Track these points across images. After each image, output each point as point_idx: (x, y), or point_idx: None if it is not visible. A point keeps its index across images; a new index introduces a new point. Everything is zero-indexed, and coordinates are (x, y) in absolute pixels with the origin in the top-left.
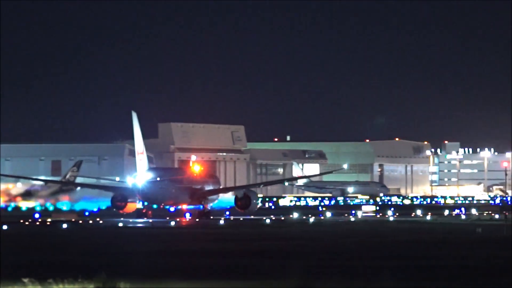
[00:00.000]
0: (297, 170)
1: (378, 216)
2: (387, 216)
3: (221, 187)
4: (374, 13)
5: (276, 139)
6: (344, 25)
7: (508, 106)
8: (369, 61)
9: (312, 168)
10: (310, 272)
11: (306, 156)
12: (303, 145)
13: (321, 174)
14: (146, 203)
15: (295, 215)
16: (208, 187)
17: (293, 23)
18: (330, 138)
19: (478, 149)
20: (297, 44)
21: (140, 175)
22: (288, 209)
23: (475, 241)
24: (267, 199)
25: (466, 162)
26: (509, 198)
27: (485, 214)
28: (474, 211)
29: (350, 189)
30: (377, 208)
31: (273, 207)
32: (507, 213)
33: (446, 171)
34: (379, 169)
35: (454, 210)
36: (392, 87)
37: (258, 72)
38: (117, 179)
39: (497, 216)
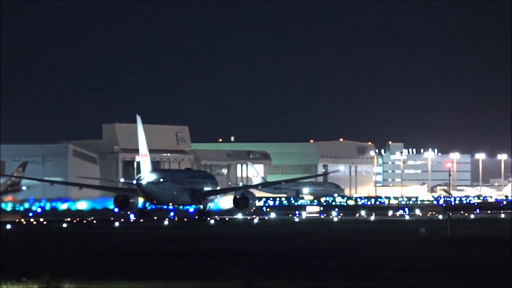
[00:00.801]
0: (252, 170)
1: (323, 216)
2: (331, 216)
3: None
4: (316, 13)
5: (220, 140)
6: (283, 25)
7: (452, 107)
8: (312, 61)
9: (257, 169)
10: (254, 272)
11: (251, 156)
12: (247, 146)
13: (320, 175)
14: (148, 203)
15: (239, 215)
16: (207, 188)
17: (229, 23)
18: (275, 138)
19: (422, 150)
20: (239, 44)
21: (143, 176)
22: (234, 210)
23: (419, 241)
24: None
25: (410, 162)
26: (452, 199)
27: (428, 215)
28: (418, 212)
29: (305, 190)
30: (321, 208)
31: (217, 208)
32: (450, 214)
33: (390, 171)
34: (323, 170)
35: (398, 211)
36: (336, 88)
37: (202, 73)
38: (122, 180)
39: (440, 217)
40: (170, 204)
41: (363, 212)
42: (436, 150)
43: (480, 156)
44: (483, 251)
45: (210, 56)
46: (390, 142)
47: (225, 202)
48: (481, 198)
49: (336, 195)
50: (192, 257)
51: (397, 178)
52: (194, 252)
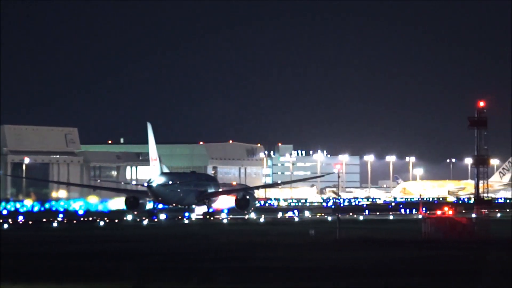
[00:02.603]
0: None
1: (212, 218)
2: (220, 218)
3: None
4: (213, 12)
5: (110, 142)
6: (174, 29)
7: (341, 109)
8: (202, 63)
9: (146, 171)
10: (145, 274)
11: (140, 158)
12: (137, 148)
13: (319, 176)
14: (157, 204)
15: (129, 217)
16: (211, 190)
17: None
18: (164, 140)
19: (311, 152)
20: (122, 44)
21: (153, 179)
22: (123, 212)
23: (308, 243)
24: (101, 202)
25: (299, 164)
26: (341, 200)
27: (318, 216)
28: (307, 213)
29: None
30: (212, 210)
31: (107, 210)
32: (340, 215)
33: (279, 173)
34: (213, 171)
35: (288, 212)
36: (226, 90)
37: (91, 74)
38: (134, 182)
39: (330, 218)
40: (178, 204)
41: (252, 214)
42: (325, 152)
43: (369, 158)
44: (371, 252)
45: (99, 56)
46: (279, 144)
47: (228, 202)
48: (370, 199)
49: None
50: (82, 259)
51: (286, 180)
52: (85, 254)
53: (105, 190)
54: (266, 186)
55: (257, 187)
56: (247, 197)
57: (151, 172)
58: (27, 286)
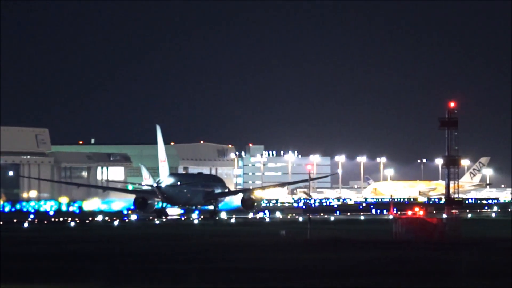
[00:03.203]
0: (144, 173)
1: (183, 219)
2: (191, 219)
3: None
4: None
5: (81, 142)
6: (137, 28)
7: (312, 110)
8: (168, 62)
9: (117, 171)
10: (114, 274)
11: (111, 159)
12: (108, 148)
13: (325, 176)
14: (165, 204)
15: (100, 218)
16: (217, 190)
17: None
18: (135, 141)
19: (282, 152)
20: (91, 45)
21: (162, 179)
22: (94, 213)
23: (279, 243)
24: (72, 203)
25: (270, 165)
26: (312, 201)
27: (289, 217)
28: (278, 214)
29: None
30: (182, 211)
31: (78, 210)
32: (311, 216)
33: (250, 174)
34: (184, 172)
35: (259, 213)
36: (196, 90)
37: (61, 74)
38: (143, 183)
39: (301, 219)
40: (186, 204)
41: (223, 215)
42: (296, 152)
43: (340, 159)
44: (341, 252)
45: (70, 55)
46: (250, 145)
47: (234, 202)
48: (341, 200)
49: None
50: (52, 259)
51: (257, 181)
52: (54, 255)
53: (113, 191)
54: (270, 186)
55: (262, 188)
56: (253, 197)
57: (160, 173)
58: None
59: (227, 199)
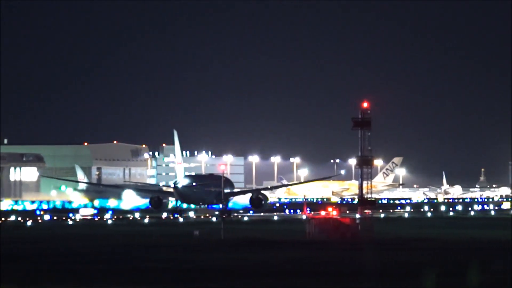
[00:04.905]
0: (80, 174)
1: (97, 219)
2: (105, 219)
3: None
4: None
5: None
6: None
7: (226, 110)
8: (89, 62)
9: (30, 172)
10: (27, 276)
11: (24, 159)
12: (21, 148)
13: (329, 177)
14: (180, 203)
15: (12, 218)
16: (227, 190)
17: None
18: (49, 141)
19: (196, 152)
20: (17, 42)
21: (179, 180)
22: (6, 213)
23: (192, 244)
24: None
25: (184, 165)
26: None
27: (202, 217)
28: (191, 214)
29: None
30: (96, 211)
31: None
32: (225, 216)
33: (164, 174)
34: (97, 172)
35: (170, 213)
36: (108, 90)
37: None
38: (161, 183)
39: (214, 219)
40: (200, 203)
41: (137, 215)
42: (209, 152)
43: (253, 159)
44: (255, 252)
45: None
46: (163, 145)
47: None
48: None
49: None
50: None
51: (170, 181)
52: None
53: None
54: (275, 187)
55: (268, 188)
56: (260, 197)
57: (177, 174)
58: None
59: (236, 198)
